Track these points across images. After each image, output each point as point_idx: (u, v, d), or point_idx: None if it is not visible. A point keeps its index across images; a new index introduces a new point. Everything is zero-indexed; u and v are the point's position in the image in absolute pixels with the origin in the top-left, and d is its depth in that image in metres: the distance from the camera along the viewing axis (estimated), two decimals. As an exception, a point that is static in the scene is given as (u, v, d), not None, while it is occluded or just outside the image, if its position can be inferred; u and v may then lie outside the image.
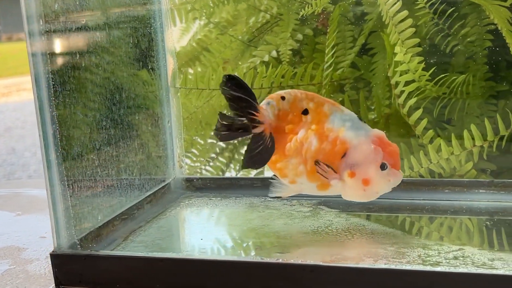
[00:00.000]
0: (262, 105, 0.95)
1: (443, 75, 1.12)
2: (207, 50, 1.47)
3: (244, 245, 0.91)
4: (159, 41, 1.08)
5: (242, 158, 1.02)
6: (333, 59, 1.23)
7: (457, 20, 1.25)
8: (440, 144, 1.07)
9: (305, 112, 0.94)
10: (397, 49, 1.07)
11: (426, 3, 1.17)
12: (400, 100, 1.12)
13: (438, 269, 0.75)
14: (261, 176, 1.23)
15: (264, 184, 1.10)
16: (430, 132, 1.09)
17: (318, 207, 1.05)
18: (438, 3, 1.18)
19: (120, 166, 0.94)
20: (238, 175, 1.41)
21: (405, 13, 1.10)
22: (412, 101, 1.10)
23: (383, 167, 0.89)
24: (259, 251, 0.87)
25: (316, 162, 0.91)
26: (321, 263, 0.76)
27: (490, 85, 1.24)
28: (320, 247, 0.88)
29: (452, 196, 1.05)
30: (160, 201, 1.06)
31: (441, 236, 0.93)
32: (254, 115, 0.93)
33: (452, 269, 0.75)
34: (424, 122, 1.09)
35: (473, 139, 1.06)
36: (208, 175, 1.36)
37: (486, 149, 1.07)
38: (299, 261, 0.77)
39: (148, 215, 1.02)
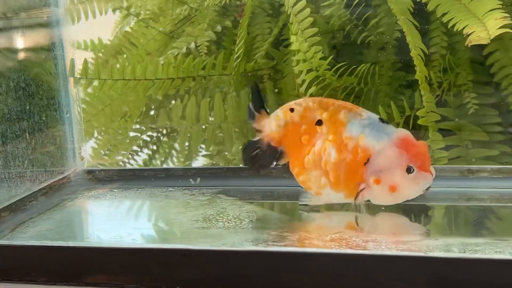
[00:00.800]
0: (273, 114, 0.95)
1: (343, 64, 1.13)
2: (132, 43, 1.48)
3: (127, 233, 0.91)
4: (55, 30, 1.07)
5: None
6: (241, 50, 1.23)
7: (368, 11, 1.28)
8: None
9: (319, 122, 0.91)
10: (292, 38, 1.08)
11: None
12: (302, 90, 1.13)
13: (302, 250, 0.75)
14: (164, 166, 1.23)
15: (167, 175, 1.11)
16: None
17: (217, 195, 1.05)
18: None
19: (7, 157, 0.93)
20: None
21: (303, 2, 1.11)
22: (311, 90, 1.11)
23: (409, 170, 0.85)
24: (141, 239, 0.87)
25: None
26: (191, 247, 0.76)
27: (399, 75, 1.26)
28: (204, 233, 0.88)
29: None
30: (57, 193, 1.06)
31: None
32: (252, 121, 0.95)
33: (318, 250, 0.75)
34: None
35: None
36: (112, 167, 1.35)
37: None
38: (170, 246, 0.77)
39: (41, 207, 1.01)
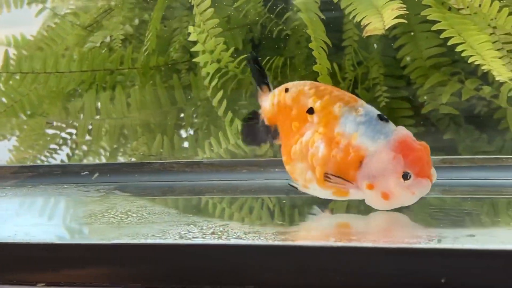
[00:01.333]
0: (272, 91, 0.90)
1: (243, 56, 1.12)
2: (51, 38, 1.44)
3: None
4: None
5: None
6: (148, 43, 1.21)
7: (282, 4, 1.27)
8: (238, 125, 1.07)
9: (310, 111, 0.83)
10: (190, 29, 1.06)
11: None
12: (206, 82, 1.11)
13: (168, 241, 0.73)
14: (65, 163, 1.20)
15: (64, 172, 1.08)
16: (229, 114, 1.08)
17: (113, 191, 1.02)
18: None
19: None
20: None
21: (203, -7, 1.10)
22: (214, 82, 1.09)
23: (405, 176, 0.77)
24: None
25: (326, 176, 0.80)
26: (58, 242, 0.74)
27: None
28: (81, 229, 0.85)
29: (250, 176, 1.05)
30: None
31: (224, 214, 0.93)
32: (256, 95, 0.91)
33: (187, 242, 0.74)
34: (224, 104, 1.09)
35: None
36: (9, 164, 1.31)
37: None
38: (36, 241, 0.74)
39: None
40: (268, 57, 1.20)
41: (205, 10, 1.09)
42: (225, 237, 0.77)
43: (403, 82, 1.26)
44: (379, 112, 0.82)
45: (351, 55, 1.24)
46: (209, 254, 0.72)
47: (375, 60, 1.27)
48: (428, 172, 0.78)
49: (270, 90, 0.90)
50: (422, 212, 0.87)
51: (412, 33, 1.22)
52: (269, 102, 0.89)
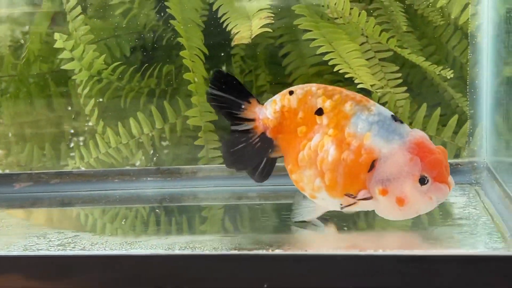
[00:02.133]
0: (266, 104, 0.81)
1: (118, 63, 1.11)
2: None
3: None
4: None
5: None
6: (26, 51, 1.19)
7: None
8: (109, 133, 1.06)
9: (320, 112, 0.77)
10: (56, 35, 1.04)
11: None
12: (79, 90, 1.09)
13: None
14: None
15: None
16: (101, 122, 1.07)
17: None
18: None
19: None
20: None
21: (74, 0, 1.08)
22: (86, 91, 1.08)
23: (422, 181, 0.71)
24: None
25: (348, 195, 0.74)
26: None
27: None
28: None
29: (122, 186, 1.04)
30: None
31: (81, 225, 0.91)
32: (237, 112, 0.80)
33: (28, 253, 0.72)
34: (96, 112, 1.07)
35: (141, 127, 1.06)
36: None
37: (156, 137, 1.07)
38: None
39: None
40: (154, 64, 1.19)
41: (76, 17, 1.07)
42: (70, 248, 0.76)
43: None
44: (392, 113, 0.76)
45: (239, 63, 1.25)
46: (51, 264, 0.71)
47: (262, 68, 1.28)
48: (446, 178, 0.72)
49: (258, 102, 0.82)
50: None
51: (297, 41, 1.24)
52: (269, 110, 0.80)
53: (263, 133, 0.80)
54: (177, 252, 0.69)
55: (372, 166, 0.72)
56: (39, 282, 0.71)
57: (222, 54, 1.23)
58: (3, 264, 0.71)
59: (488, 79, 0.94)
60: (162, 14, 1.25)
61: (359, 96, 0.77)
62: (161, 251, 0.71)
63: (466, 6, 1.00)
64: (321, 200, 0.77)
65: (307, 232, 0.79)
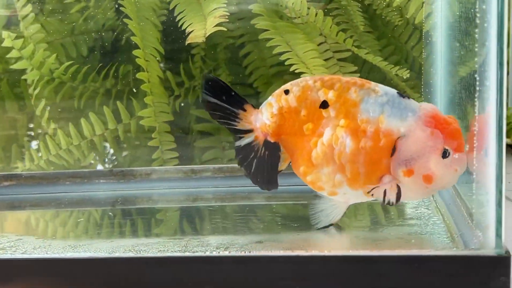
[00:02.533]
0: (261, 108, 0.76)
1: (71, 63, 1.08)
2: None
3: None
4: None
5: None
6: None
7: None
8: (60, 135, 1.03)
9: (324, 105, 0.73)
10: (4, 34, 1.02)
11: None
12: (30, 90, 1.07)
13: None
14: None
15: None
16: (52, 123, 1.05)
17: None
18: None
19: None
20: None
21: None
22: (37, 91, 1.05)
23: (445, 154, 0.68)
24: None
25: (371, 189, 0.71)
26: None
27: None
28: None
29: (74, 188, 1.02)
30: None
31: (25, 228, 0.89)
32: (234, 122, 0.75)
33: None
34: (46, 113, 1.05)
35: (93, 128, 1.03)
36: None
37: (109, 138, 1.05)
38: None
39: None
40: (111, 64, 1.17)
41: (27, 15, 1.05)
42: (11, 252, 0.74)
43: (252, 90, 1.26)
44: (396, 90, 0.73)
45: (199, 64, 1.23)
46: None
47: (222, 68, 1.26)
48: (463, 147, 0.69)
49: (253, 107, 0.77)
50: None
51: (258, 41, 1.23)
52: (266, 115, 0.75)
53: (266, 141, 0.75)
54: (116, 255, 0.67)
55: (394, 149, 0.69)
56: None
57: (182, 54, 1.21)
58: None
59: (443, 79, 0.93)
60: (120, 14, 1.23)
61: (359, 80, 0.73)
62: (97, 254, 0.68)
63: (421, 5, 0.99)
64: (342, 196, 0.74)
65: (258, 236, 0.78)
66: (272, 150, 0.75)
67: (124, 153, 1.08)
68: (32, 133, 1.10)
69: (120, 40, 1.23)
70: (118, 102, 1.06)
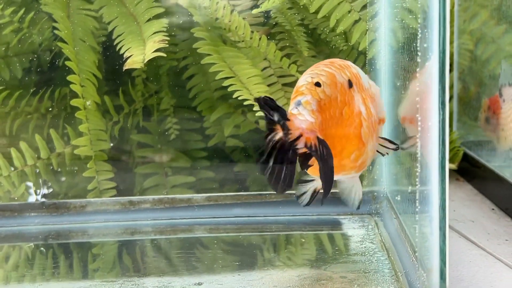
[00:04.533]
0: (292, 110, 0.71)
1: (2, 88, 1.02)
2: None
3: None
4: None
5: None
6: None
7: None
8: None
9: (350, 84, 0.74)
10: None
11: None
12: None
13: None
14: None
15: None
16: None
17: None
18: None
19: None
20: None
21: None
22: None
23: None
24: None
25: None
26: None
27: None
28: None
29: (3, 222, 0.95)
30: None
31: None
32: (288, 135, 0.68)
33: None
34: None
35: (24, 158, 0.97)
36: None
37: (42, 168, 0.99)
38: None
39: None
40: (46, 87, 1.11)
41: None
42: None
43: (195, 113, 1.23)
44: None
45: (141, 86, 1.19)
46: None
47: (165, 91, 1.22)
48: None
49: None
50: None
51: (201, 64, 1.20)
52: (307, 113, 0.70)
53: (318, 138, 0.69)
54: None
55: None
56: None
57: (123, 77, 1.17)
58: None
59: (387, 107, 0.92)
60: (56, 35, 1.18)
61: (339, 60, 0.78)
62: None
63: (365, 32, 0.98)
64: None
65: (197, 277, 0.74)
66: (325, 144, 0.69)
67: (58, 184, 1.03)
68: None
69: (55, 62, 1.18)
70: (51, 130, 1.01)
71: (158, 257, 0.83)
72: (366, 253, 0.76)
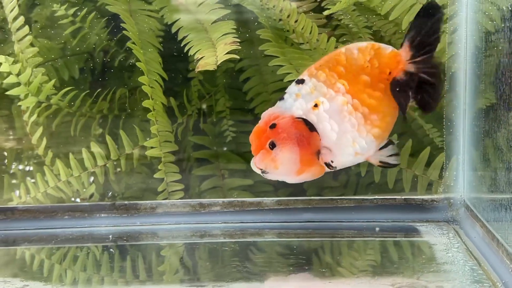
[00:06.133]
0: None
1: (70, 88, 1.02)
2: None
3: None
4: None
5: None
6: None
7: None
8: (59, 165, 0.97)
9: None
10: (1, 58, 0.95)
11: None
12: (25, 117, 1.00)
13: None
14: None
15: None
16: (50, 153, 0.98)
17: None
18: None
19: None
20: None
21: (22, 19, 0.99)
22: (34, 118, 0.98)
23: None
24: None
25: None
26: None
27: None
28: None
29: (73, 223, 0.95)
30: None
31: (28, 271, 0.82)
32: None
33: None
34: (44, 142, 0.98)
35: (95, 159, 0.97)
36: None
37: (111, 169, 0.98)
38: None
39: None
40: (108, 88, 1.11)
41: (23, 38, 0.98)
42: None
43: (251, 116, 1.22)
44: None
45: (197, 87, 1.18)
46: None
47: (221, 93, 1.21)
48: None
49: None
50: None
51: (258, 66, 1.18)
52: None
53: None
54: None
55: None
56: None
57: (180, 78, 1.16)
58: None
59: (466, 111, 0.90)
60: (114, 35, 1.17)
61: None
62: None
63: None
64: None
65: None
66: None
67: (125, 185, 1.02)
68: (26, 163, 1.03)
69: (112, 62, 1.17)
70: (121, 131, 1.00)
71: (228, 262, 0.82)
72: (456, 262, 0.75)
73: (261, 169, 0.78)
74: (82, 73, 1.16)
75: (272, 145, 0.78)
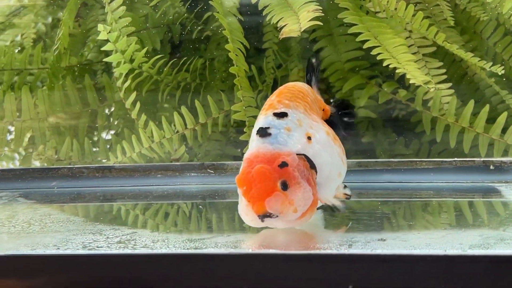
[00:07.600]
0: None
1: (159, 57, 1.08)
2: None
3: None
4: None
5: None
6: (59, 43, 1.15)
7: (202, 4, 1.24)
8: (152, 128, 1.03)
9: None
10: (100, 27, 1.01)
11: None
12: (119, 83, 1.06)
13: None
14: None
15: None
16: (143, 116, 1.04)
17: (16, 199, 0.96)
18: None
19: None
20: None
21: (113, -9, 1.05)
22: (127, 84, 1.05)
23: None
24: None
25: None
26: None
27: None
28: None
29: (165, 181, 1.01)
30: None
31: (134, 221, 0.88)
32: None
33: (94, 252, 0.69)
34: (137, 106, 1.04)
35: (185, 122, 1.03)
36: None
37: (199, 132, 1.04)
38: None
39: None
40: (185, 58, 1.16)
41: (117, 8, 1.04)
42: (131, 246, 0.73)
43: (323, 85, 1.25)
44: None
45: (271, 58, 1.22)
46: (113, 264, 0.68)
47: (295, 63, 1.25)
48: None
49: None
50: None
51: (331, 36, 1.22)
52: None
53: None
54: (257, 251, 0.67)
55: None
56: (100, 282, 0.68)
57: (255, 47, 1.21)
58: (66, 262, 0.68)
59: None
60: (194, 7, 1.22)
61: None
62: (234, 250, 0.68)
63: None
64: None
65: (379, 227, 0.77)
66: None
67: (213, 147, 1.08)
68: (118, 126, 1.10)
69: (190, 34, 1.23)
70: (208, 96, 1.06)
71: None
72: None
73: (268, 214, 0.68)
74: (164, 44, 1.23)
75: (285, 186, 0.67)
